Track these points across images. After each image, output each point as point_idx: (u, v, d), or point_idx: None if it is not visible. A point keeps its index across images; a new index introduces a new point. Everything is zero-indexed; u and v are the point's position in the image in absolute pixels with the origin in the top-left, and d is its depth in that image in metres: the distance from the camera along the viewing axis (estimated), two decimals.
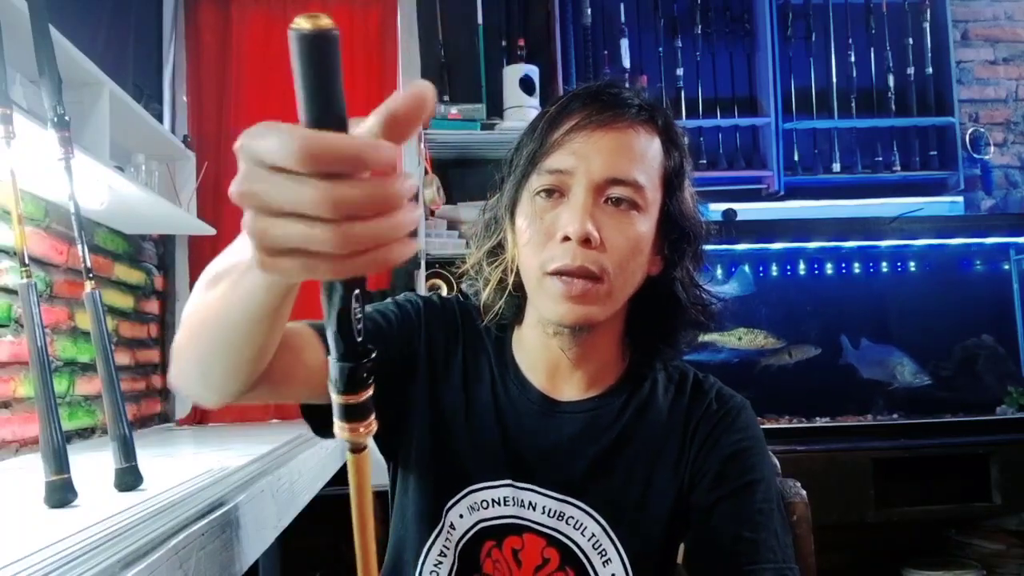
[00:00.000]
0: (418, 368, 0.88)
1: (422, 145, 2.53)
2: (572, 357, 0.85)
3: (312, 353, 0.73)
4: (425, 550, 0.85)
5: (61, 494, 0.88)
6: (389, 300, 0.91)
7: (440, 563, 0.85)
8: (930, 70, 2.90)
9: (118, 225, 2.11)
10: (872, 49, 2.89)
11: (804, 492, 1.00)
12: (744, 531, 0.79)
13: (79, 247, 1.00)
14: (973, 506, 2.31)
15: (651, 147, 0.82)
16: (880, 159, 2.86)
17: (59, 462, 0.88)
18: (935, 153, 2.87)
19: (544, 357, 0.87)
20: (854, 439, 2.34)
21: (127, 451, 0.98)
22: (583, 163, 0.79)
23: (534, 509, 0.84)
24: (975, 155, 2.92)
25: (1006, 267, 2.70)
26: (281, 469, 1.22)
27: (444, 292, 2.51)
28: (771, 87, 2.78)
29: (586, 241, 0.77)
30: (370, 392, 0.43)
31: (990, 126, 2.99)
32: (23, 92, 1.46)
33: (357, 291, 0.40)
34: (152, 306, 2.41)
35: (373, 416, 0.43)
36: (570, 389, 0.88)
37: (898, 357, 2.51)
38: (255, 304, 0.55)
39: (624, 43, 2.77)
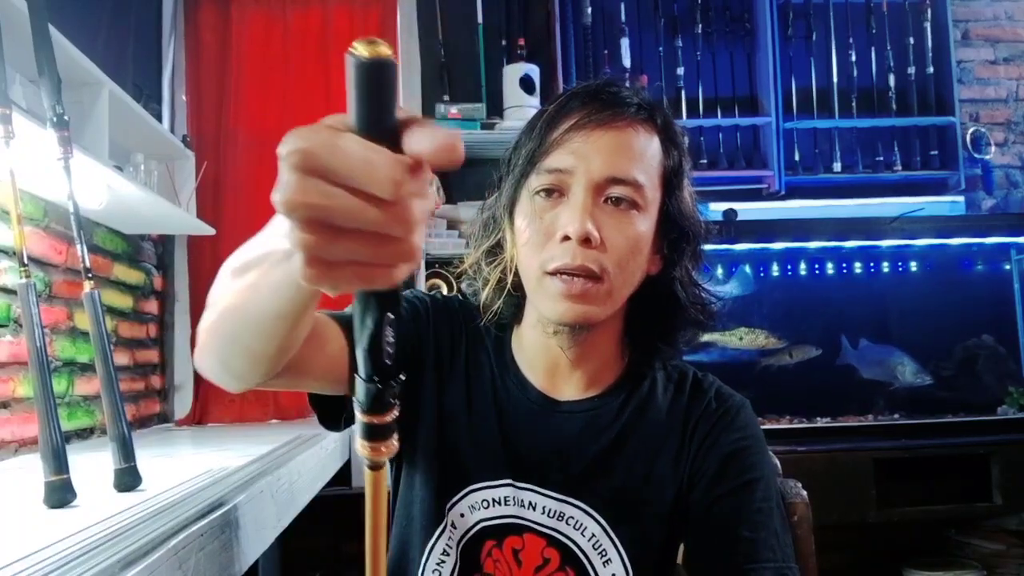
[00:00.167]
0: (427, 365, 0.88)
1: None
2: (571, 356, 0.85)
3: (335, 346, 0.73)
4: (429, 548, 0.85)
5: (60, 494, 0.88)
6: None
7: (443, 562, 0.85)
8: (931, 70, 2.90)
9: (117, 225, 2.11)
10: (873, 49, 2.89)
11: (805, 492, 1.00)
12: (743, 530, 0.79)
13: (78, 247, 1.00)
14: (974, 506, 2.31)
15: (650, 146, 0.82)
16: (881, 159, 2.85)
17: (58, 462, 0.88)
18: (936, 153, 2.86)
19: (543, 356, 0.87)
20: (855, 439, 2.34)
21: (126, 451, 0.98)
22: (582, 162, 0.78)
23: (534, 509, 0.84)
24: (976, 155, 2.91)
25: (1007, 267, 2.70)
26: (281, 469, 1.22)
27: (444, 291, 2.51)
28: (771, 87, 2.77)
29: (586, 241, 0.76)
30: (395, 414, 0.42)
31: (991, 126, 2.98)
32: (23, 92, 1.46)
33: (391, 315, 0.40)
34: (151, 306, 2.41)
35: (395, 436, 0.43)
36: (569, 389, 0.88)
37: (899, 357, 2.51)
38: (284, 299, 0.55)
39: (624, 42, 2.76)
